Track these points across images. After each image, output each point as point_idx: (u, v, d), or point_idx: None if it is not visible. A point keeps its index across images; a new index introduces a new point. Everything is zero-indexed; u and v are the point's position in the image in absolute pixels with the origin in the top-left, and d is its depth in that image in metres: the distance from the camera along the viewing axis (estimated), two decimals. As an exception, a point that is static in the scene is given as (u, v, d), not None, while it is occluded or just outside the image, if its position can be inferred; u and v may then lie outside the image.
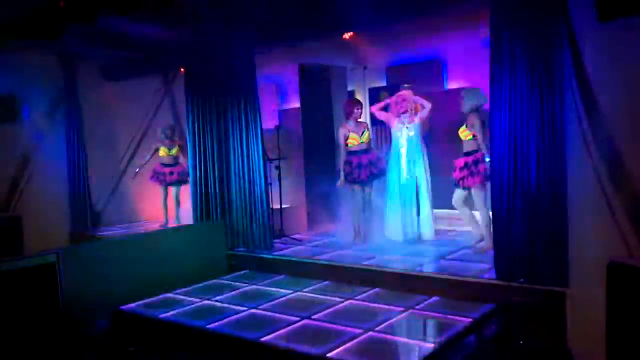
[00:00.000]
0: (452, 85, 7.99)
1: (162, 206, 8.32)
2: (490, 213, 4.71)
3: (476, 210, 5.69)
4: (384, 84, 8.59)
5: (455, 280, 4.85)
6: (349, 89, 8.59)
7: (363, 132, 6.40)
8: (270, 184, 6.71)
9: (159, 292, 5.44)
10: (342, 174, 6.42)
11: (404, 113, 6.26)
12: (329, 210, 7.60)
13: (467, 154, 5.59)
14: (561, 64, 4.08)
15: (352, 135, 6.39)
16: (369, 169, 6.33)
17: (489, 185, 5.10)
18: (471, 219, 5.76)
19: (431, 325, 4.36)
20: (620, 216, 3.25)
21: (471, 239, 5.90)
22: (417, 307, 4.59)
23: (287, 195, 7.35)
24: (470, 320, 4.19)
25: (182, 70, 7.73)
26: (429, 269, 5.22)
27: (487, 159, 5.28)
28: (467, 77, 7.83)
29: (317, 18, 6.10)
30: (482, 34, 5.02)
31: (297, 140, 7.93)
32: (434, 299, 4.78)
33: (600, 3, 3.24)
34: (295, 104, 8.33)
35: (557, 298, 4.19)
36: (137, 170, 8.39)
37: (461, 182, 5.57)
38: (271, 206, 6.63)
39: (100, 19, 5.67)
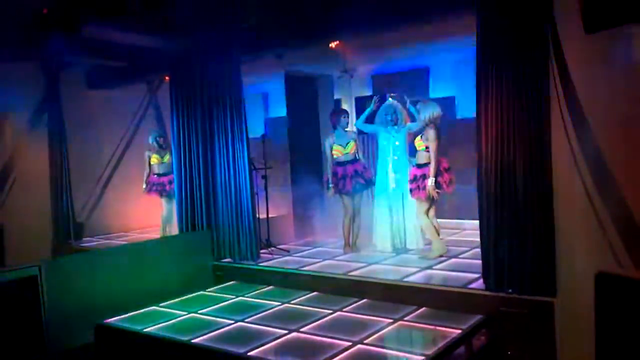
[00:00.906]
0: (437, 93, 8.02)
1: (163, 220, 8.03)
2: (478, 222, 4.69)
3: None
4: (369, 92, 8.61)
5: (443, 291, 4.83)
6: (336, 97, 8.59)
7: (348, 143, 6.36)
8: (257, 193, 6.65)
9: (143, 305, 5.33)
10: (330, 184, 6.41)
11: (392, 125, 6.26)
12: (316, 220, 7.56)
13: (419, 166, 5.76)
14: (547, 74, 4.10)
15: (335, 146, 6.37)
16: (355, 179, 6.30)
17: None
18: (431, 229, 5.86)
19: (420, 336, 4.33)
20: (607, 226, 3.25)
21: (456, 247, 5.90)
22: (406, 319, 4.55)
23: (274, 205, 7.30)
24: (460, 331, 4.16)
25: (167, 78, 7.65)
26: (417, 279, 5.18)
27: (431, 178, 5.53)
28: (453, 86, 7.88)
29: (303, 26, 6.08)
30: (467, 43, 5.03)
31: (283, 149, 7.89)
32: (423, 309, 4.74)
33: (586, 14, 3.25)
34: (282, 113, 8.30)
35: (545, 308, 4.18)
36: (144, 185, 8.10)
37: (410, 193, 5.84)
38: (257, 216, 6.57)
39: (84, 27, 5.60)
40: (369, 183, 6.40)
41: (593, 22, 3.25)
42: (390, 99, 6.44)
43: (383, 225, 6.31)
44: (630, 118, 3.10)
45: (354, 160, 6.39)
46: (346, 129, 6.50)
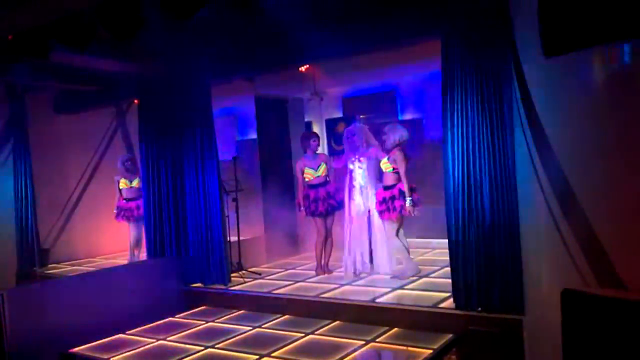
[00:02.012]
0: (407, 116, 8.16)
1: (131, 246, 7.84)
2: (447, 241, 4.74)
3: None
4: (340, 114, 8.70)
5: (414, 311, 4.85)
6: (306, 119, 8.65)
7: (319, 166, 6.37)
8: (228, 216, 6.60)
9: (110, 333, 5.20)
10: (302, 207, 6.40)
11: (356, 148, 6.21)
12: (287, 242, 7.53)
13: (387, 188, 5.83)
14: (510, 97, 4.22)
15: (307, 170, 6.38)
16: (326, 201, 6.31)
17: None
18: (403, 250, 5.90)
19: (392, 357, 4.32)
20: (571, 244, 3.32)
21: (427, 267, 5.91)
22: (378, 340, 4.55)
23: (245, 227, 7.25)
24: (431, 351, 4.18)
25: (136, 101, 7.60)
26: (388, 299, 5.19)
27: (407, 197, 5.62)
28: (420, 108, 8.02)
29: (273, 51, 6.13)
30: (434, 67, 5.15)
31: (254, 171, 7.87)
32: (394, 330, 4.75)
33: (545, 39, 3.36)
34: (253, 135, 8.31)
35: (514, 326, 4.24)
36: (115, 210, 7.95)
37: (380, 214, 5.88)
38: (228, 239, 6.51)
39: (52, 52, 5.53)
40: (341, 205, 6.39)
41: (552, 46, 3.35)
42: (357, 122, 6.47)
43: (352, 249, 6.24)
44: (588, 139, 3.20)
45: (325, 183, 6.39)
46: (316, 152, 6.52)
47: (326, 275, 6.39)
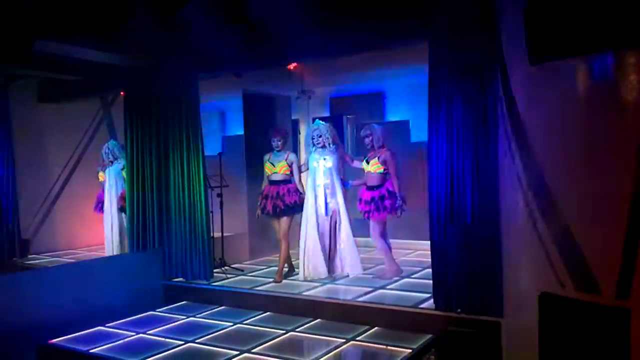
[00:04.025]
0: (392, 117, 8.22)
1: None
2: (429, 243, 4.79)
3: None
4: (327, 113, 8.73)
5: (395, 310, 4.89)
6: (293, 117, 8.65)
7: (279, 162, 6.16)
8: (212, 211, 6.58)
9: (89, 325, 5.16)
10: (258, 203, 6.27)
11: (321, 147, 5.99)
12: (271, 239, 7.53)
13: (373, 188, 5.76)
14: (495, 100, 4.28)
15: (267, 163, 6.24)
16: (275, 201, 6.07)
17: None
18: (387, 251, 5.88)
19: (371, 356, 4.35)
20: (549, 248, 3.38)
21: (409, 267, 5.96)
22: (358, 338, 4.58)
23: (229, 224, 7.24)
24: (410, 350, 4.22)
25: (122, 93, 7.54)
26: (370, 299, 5.23)
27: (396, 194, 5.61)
28: (407, 110, 8.09)
29: (261, 48, 6.13)
30: (421, 69, 5.19)
31: (240, 167, 7.86)
32: (375, 329, 4.78)
33: (531, 46, 3.42)
34: (240, 131, 8.29)
35: (492, 327, 4.30)
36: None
37: (366, 215, 5.77)
38: (212, 234, 6.50)
39: (36, 42, 5.47)
40: (293, 207, 6.08)
41: (537, 54, 3.42)
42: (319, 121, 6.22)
43: (314, 253, 5.95)
44: (571, 145, 3.26)
45: (285, 182, 6.15)
46: (278, 150, 6.24)
47: (281, 281, 6.06)
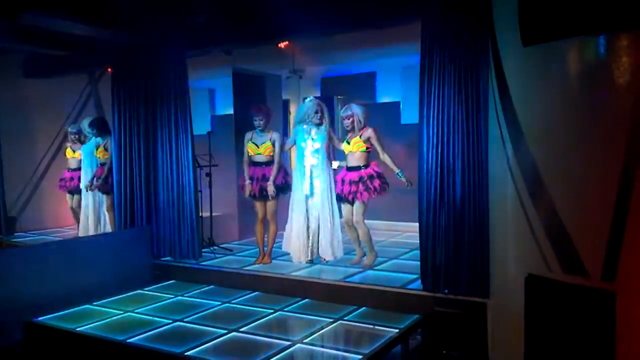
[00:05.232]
0: (384, 99, 8.18)
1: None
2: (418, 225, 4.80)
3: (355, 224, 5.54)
4: (318, 93, 8.66)
5: (382, 291, 4.92)
6: (284, 97, 8.58)
7: (263, 143, 5.89)
8: (200, 191, 6.54)
9: (76, 303, 5.14)
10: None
11: (316, 125, 5.72)
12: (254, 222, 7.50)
13: (356, 168, 5.49)
14: (486, 82, 4.26)
15: (250, 143, 5.95)
16: (262, 183, 5.88)
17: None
18: (369, 236, 5.61)
19: (358, 336, 4.38)
20: (537, 230, 3.40)
21: (397, 249, 5.97)
22: (346, 318, 4.61)
23: (218, 203, 7.20)
24: (397, 330, 4.26)
25: (109, 69, 7.42)
26: (358, 279, 5.25)
27: (397, 170, 5.43)
28: (398, 92, 8.05)
29: (252, 25, 6.04)
30: (413, 50, 5.15)
31: (229, 146, 7.80)
32: (363, 309, 4.81)
33: (523, 27, 3.39)
34: (229, 110, 8.22)
35: (478, 308, 4.34)
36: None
37: (350, 196, 5.46)
38: (200, 214, 6.47)
39: (22, 14, 5.34)
40: (280, 189, 5.92)
41: (530, 35, 3.38)
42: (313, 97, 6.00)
43: (299, 235, 5.83)
44: (561, 128, 3.26)
45: (269, 163, 5.91)
46: (261, 130, 5.95)
47: (267, 263, 5.97)
